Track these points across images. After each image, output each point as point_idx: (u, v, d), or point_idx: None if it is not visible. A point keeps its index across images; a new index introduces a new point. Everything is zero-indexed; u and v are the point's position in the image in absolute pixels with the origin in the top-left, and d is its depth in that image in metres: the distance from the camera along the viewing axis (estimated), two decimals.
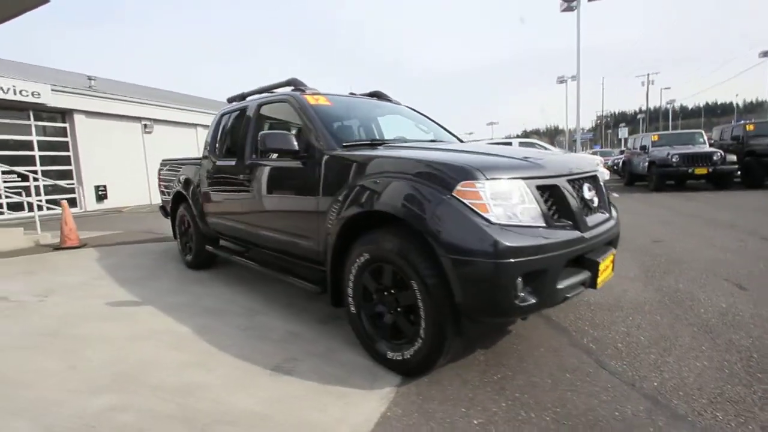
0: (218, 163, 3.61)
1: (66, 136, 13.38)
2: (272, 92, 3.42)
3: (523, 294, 1.69)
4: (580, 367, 2.04)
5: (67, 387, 2.04)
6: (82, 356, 2.37)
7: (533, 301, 1.71)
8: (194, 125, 18.77)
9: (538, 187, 1.84)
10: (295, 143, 2.50)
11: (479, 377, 1.99)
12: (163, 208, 5.18)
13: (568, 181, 1.98)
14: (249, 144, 3.17)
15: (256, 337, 2.56)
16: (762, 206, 7.12)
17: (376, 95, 3.64)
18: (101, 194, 14.31)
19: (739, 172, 9.94)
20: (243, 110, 3.44)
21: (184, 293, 3.50)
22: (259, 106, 3.23)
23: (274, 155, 2.88)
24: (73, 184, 13.37)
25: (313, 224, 2.49)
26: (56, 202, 7.69)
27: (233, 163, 3.31)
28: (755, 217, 5.99)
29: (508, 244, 1.62)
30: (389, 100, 3.67)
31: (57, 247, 5.67)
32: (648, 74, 43.54)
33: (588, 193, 2.09)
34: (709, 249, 4.21)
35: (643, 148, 11.49)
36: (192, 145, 18.95)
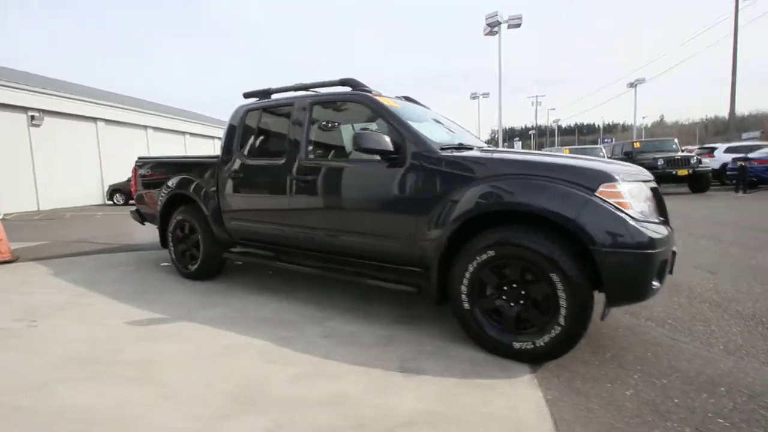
0: (252, 162, 3.33)
1: None
2: (309, 90, 3.30)
3: (654, 279, 1.99)
4: (660, 341, 2.42)
5: (186, 415, 1.77)
6: (165, 381, 2.06)
7: (658, 284, 2.02)
8: (94, 119, 16.32)
9: (651, 189, 2.18)
10: (390, 144, 2.50)
11: (594, 357, 2.24)
12: (137, 212, 4.51)
13: (656, 184, 2.37)
14: (303, 142, 3.02)
15: (349, 344, 2.47)
16: None
17: (408, 99, 3.73)
18: None
19: None
20: (286, 107, 3.25)
21: (216, 306, 3.15)
22: (312, 104, 3.10)
23: (328, 154, 2.80)
24: None
25: (407, 225, 2.50)
26: None
27: (280, 162, 3.11)
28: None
29: (654, 237, 1.91)
30: (420, 105, 3.79)
31: None
32: (536, 96, 50.07)
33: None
34: None
35: None
36: (92, 141, 16.43)
